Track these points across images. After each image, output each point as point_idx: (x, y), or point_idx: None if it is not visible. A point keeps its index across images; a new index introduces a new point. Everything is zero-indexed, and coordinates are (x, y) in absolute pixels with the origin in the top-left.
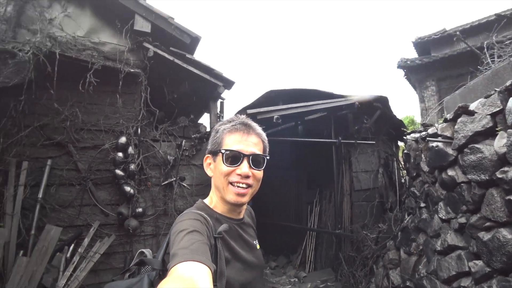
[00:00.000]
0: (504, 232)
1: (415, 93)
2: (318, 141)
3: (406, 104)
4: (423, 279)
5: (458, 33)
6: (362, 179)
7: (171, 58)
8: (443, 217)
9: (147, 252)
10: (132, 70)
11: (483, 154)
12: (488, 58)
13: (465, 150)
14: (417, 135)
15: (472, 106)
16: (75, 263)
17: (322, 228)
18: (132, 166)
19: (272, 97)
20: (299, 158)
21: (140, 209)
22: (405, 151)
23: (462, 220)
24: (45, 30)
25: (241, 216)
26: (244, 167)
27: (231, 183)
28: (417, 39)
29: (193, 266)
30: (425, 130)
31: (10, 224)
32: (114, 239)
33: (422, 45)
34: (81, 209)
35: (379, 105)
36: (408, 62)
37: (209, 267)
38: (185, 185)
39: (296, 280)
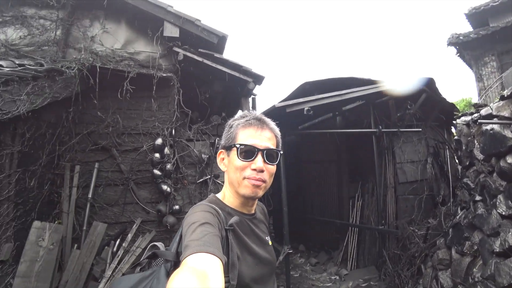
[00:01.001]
0: None
1: (471, 72)
2: (357, 132)
3: (461, 86)
4: (478, 284)
5: None
6: (407, 170)
7: (200, 59)
8: (503, 213)
9: (160, 245)
10: (164, 75)
11: None
12: None
13: None
14: (468, 118)
15: None
16: (120, 256)
17: (364, 223)
18: (169, 166)
19: (307, 89)
20: (339, 151)
21: (177, 207)
22: (456, 137)
23: None
24: (88, 47)
25: (253, 212)
26: (258, 162)
27: (245, 178)
28: (471, 10)
29: (205, 258)
30: (478, 111)
31: (67, 221)
32: (155, 235)
33: (478, 16)
34: (124, 207)
35: (424, 88)
36: (461, 38)
37: (220, 259)
38: (220, 182)
39: (337, 277)
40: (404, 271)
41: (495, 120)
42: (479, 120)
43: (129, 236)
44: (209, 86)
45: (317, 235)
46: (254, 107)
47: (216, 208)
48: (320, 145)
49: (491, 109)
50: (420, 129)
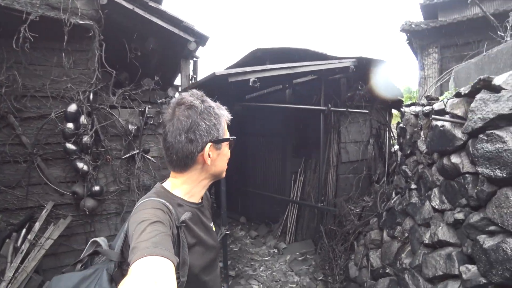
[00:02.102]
0: None
1: (415, 61)
2: (306, 108)
3: (405, 72)
4: (405, 272)
5: None
6: (351, 150)
7: (130, 6)
8: (436, 206)
9: (102, 241)
10: (81, 22)
11: (505, 144)
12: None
13: (480, 136)
14: (418, 108)
15: (499, 80)
16: (24, 251)
17: (305, 199)
18: (85, 139)
19: (258, 57)
20: (286, 125)
21: (97, 187)
22: (401, 125)
23: (460, 215)
24: None
25: (201, 200)
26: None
27: None
28: (425, 1)
29: (156, 262)
30: (429, 104)
31: None
32: (72, 221)
33: (430, 8)
34: (30, 189)
35: (377, 70)
36: (413, 26)
37: (173, 261)
38: (150, 157)
39: (276, 251)
40: (338, 246)
41: (447, 117)
42: (432, 116)
43: (37, 225)
44: (142, 42)
45: (259, 208)
46: (195, 72)
47: (167, 204)
48: (266, 118)
49: (445, 104)
50: (367, 111)
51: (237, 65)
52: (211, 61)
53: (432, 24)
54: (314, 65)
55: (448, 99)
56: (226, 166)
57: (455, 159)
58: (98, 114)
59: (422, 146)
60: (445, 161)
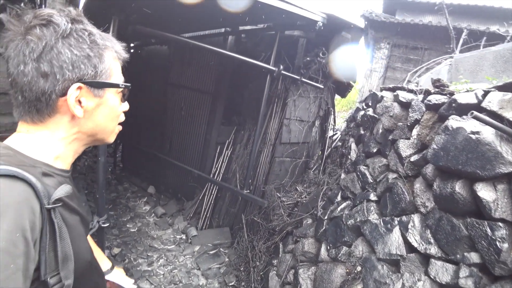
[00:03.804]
0: None
1: (364, 51)
2: (251, 63)
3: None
4: None
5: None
6: (294, 129)
7: None
8: (415, 245)
9: None
10: None
11: None
12: None
13: None
14: (409, 95)
15: None
16: None
17: (229, 179)
18: None
19: None
20: (219, 82)
21: None
22: (369, 113)
23: (466, 281)
24: None
25: (70, 167)
26: (126, 103)
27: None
28: None
29: None
30: (442, 92)
31: None
32: None
33: (390, 5)
34: None
35: (348, 36)
36: (373, 15)
37: None
38: None
39: (184, 237)
40: (260, 243)
41: (496, 122)
42: (473, 114)
43: None
44: None
45: (172, 179)
46: None
47: (27, 176)
48: (196, 67)
49: (478, 98)
50: (322, 86)
51: None
52: None
53: (392, 20)
54: (272, 7)
55: (486, 91)
56: (117, 126)
57: (485, 192)
58: None
59: (407, 151)
60: (459, 188)
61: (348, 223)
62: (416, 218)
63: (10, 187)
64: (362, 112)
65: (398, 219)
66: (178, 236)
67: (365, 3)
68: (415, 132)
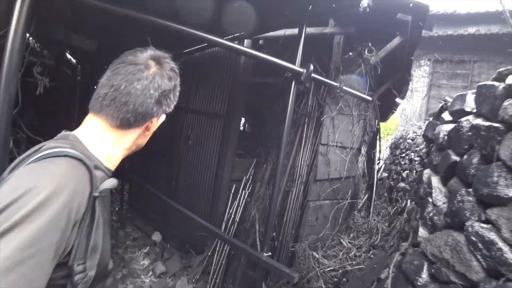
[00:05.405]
0: None
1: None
2: (270, 62)
3: None
4: None
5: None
6: (333, 160)
7: None
8: None
9: None
10: None
11: None
12: None
13: None
14: None
15: None
16: None
17: (245, 229)
18: None
19: None
20: (232, 99)
21: None
22: (445, 131)
23: None
24: None
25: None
26: None
27: None
28: None
29: None
30: None
31: None
32: None
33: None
34: None
35: (407, 18)
36: None
37: None
38: None
39: None
40: None
41: None
42: None
43: None
44: None
45: (178, 226)
46: None
47: (87, 162)
48: (204, 85)
49: None
50: (371, 98)
51: None
52: None
53: (430, 34)
54: None
55: None
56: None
57: None
58: None
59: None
60: None
61: None
62: None
63: (75, 167)
64: (449, 127)
65: None
66: None
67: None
68: None
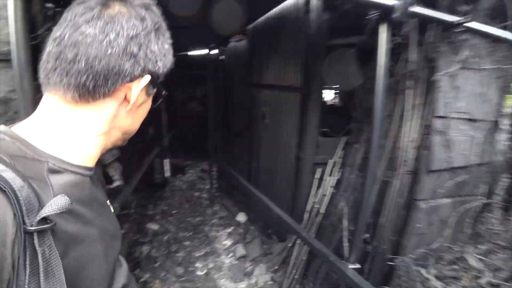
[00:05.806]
0: None
1: None
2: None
3: None
4: None
5: None
6: (457, 140)
7: None
8: None
9: None
10: None
11: None
12: None
13: None
14: None
15: None
16: None
17: (331, 224)
18: None
19: None
20: (310, 69)
21: None
22: None
23: None
24: None
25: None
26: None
27: None
28: None
29: None
30: None
31: None
32: None
33: None
34: None
35: None
36: None
37: None
38: None
39: None
40: None
41: None
42: None
43: None
44: None
45: (261, 209)
46: None
47: (9, 182)
48: (278, 55)
49: None
50: (510, 38)
51: None
52: None
53: None
54: None
55: None
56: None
57: None
58: None
59: None
60: None
61: None
62: None
63: None
64: None
65: None
66: None
67: None
68: None
